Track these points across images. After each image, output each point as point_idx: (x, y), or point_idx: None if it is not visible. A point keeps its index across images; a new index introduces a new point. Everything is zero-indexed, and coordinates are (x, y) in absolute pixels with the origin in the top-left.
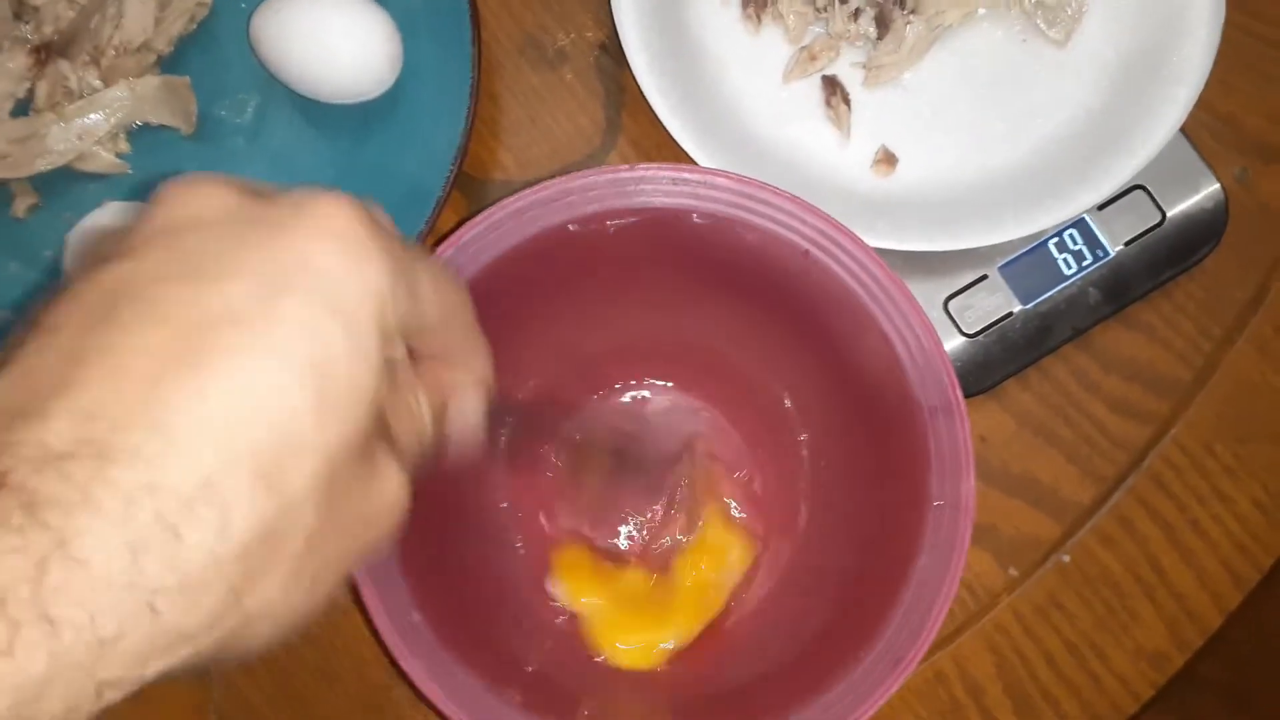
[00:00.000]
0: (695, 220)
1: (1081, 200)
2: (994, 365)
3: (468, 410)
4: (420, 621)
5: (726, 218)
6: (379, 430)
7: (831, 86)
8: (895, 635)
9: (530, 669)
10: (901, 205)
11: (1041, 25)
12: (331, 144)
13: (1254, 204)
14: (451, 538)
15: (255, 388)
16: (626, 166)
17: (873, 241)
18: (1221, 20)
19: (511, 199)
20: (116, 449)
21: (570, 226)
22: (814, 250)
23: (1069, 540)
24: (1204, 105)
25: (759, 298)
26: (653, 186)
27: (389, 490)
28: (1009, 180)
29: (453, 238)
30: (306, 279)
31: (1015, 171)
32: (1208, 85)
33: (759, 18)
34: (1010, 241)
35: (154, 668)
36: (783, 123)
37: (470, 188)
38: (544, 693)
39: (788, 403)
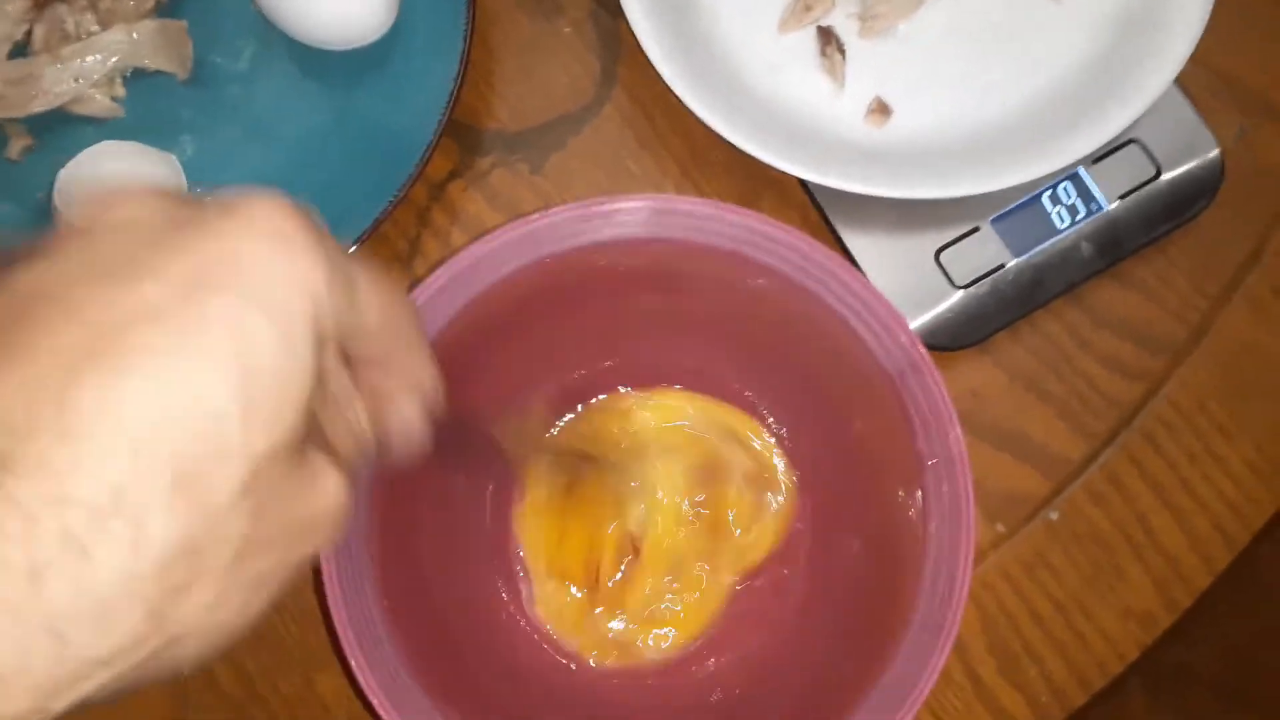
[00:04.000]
0: (612, 252)
1: (1074, 149)
2: (986, 317)
3: (405, 415)
4: (410, 682)
5: (641, 239)
6: (312, 434)
7: (826, 36)
8: (928, 606)
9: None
10: (896, 154)
11: None
12: (325, 91)
13: (1252, 163)
14: (437, 590)
15: (176, 389)
16: (538, 214)
17: (867, 189)
18: None
19: (460, 256)
20: (18, 459)
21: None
22: (742, 249)
23: (1058, 497)
24: (1204, 63)
25: (706, 307)
26: (565, 229)
27: (327, 494)
28: (1003, 130)
29: (420, 289)
30: (235, 277)
31: (1009, 122)
32: (1209, 43)
33: None
34: (1003, 194)
35: (66, 698)
36: (777, 72)
37: (464, 135)
38: None
39: (763, 410)
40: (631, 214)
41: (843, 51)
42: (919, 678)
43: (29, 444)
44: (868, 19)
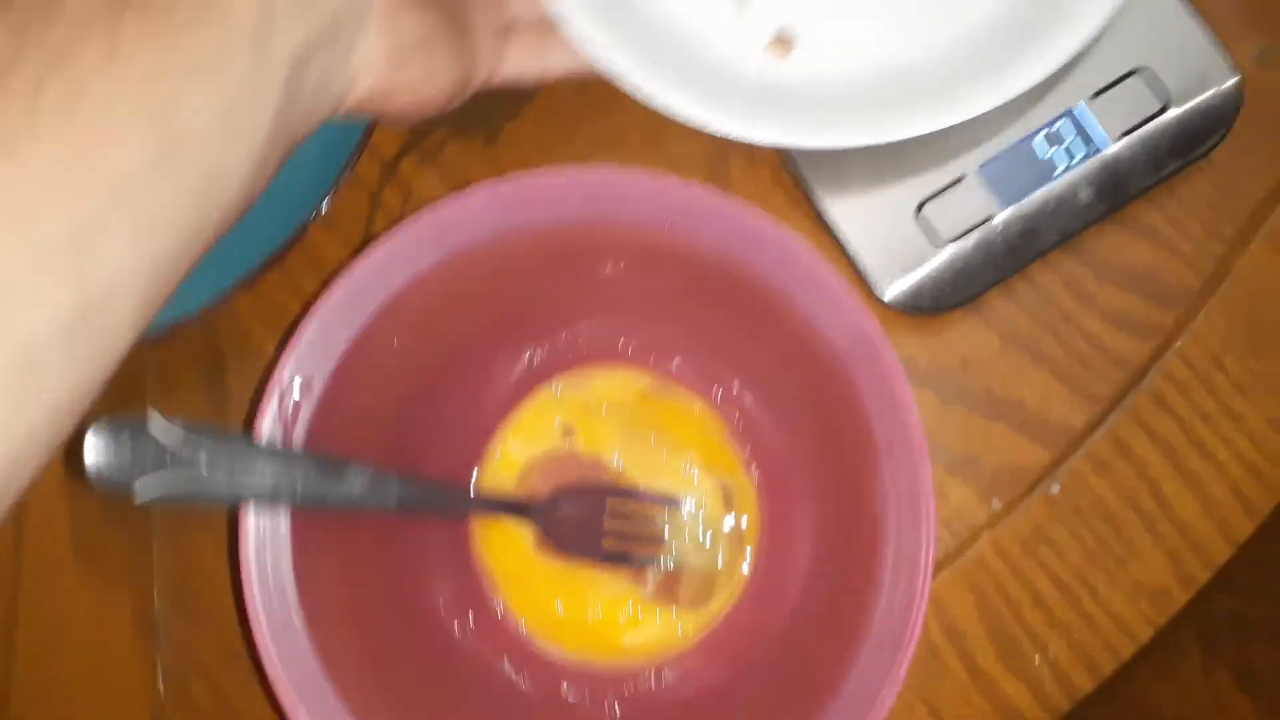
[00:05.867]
0: (537, 235)
1: (1019, 81)
2: (973, 274)
3: None
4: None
5: (571, 218)
6: None
7: None
8: (888, 610)
9: None
10: (821, 96)
11: None
12: None
13: (1273, 89)
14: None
15: None
16: (453, 197)
17: (788, 141)
18: None
19: (386, 238)
20: None
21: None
22: (681, 221)
23: (1058, 468)
24: None
25: (649, 286)
26: (482, 218)
27: None
28: (934, 62)
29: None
30: None
31: (940, 53)
32: None
33: None
34: (990, 138)
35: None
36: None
37: None
38: None
39: (716, 397)
40: (554, 190)
41: None
42: (878, 693)
43: None
44: None
